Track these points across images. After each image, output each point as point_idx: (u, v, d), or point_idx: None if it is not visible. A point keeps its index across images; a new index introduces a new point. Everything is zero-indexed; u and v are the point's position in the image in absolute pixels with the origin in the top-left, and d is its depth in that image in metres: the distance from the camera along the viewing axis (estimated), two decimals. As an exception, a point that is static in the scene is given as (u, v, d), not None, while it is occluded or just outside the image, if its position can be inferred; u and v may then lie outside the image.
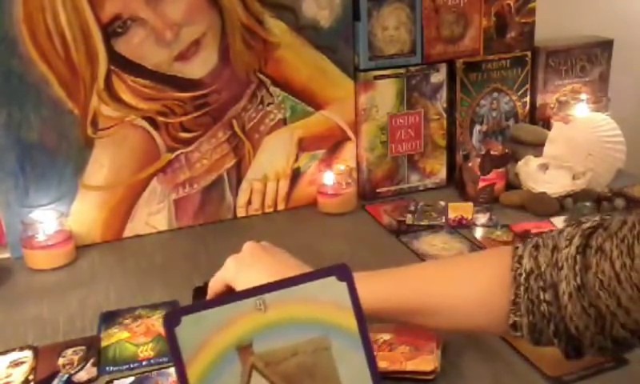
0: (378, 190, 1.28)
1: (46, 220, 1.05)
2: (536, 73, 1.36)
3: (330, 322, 0.42)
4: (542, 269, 0.59)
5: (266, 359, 0.42)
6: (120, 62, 1.07)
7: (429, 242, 1.07)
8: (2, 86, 1.01)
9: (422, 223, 1.14)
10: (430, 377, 0.72)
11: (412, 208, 1.20)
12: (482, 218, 1.14)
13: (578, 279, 0.56)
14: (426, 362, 0.73)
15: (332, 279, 0.43)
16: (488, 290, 0.64)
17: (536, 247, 0.62)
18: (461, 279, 0.67)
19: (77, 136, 1.07)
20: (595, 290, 0.55)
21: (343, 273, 0.43)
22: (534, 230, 1.09)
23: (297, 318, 0.42)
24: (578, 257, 0.57)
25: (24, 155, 1.05)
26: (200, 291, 0.85)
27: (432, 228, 1.12)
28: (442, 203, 1.20)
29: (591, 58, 1.39)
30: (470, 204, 1.18)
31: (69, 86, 1.05)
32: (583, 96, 1.37)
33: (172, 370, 0.77)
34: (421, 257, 1.02)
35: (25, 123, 1.04)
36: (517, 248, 0.64)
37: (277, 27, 1.15)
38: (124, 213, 1.13)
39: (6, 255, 1.08)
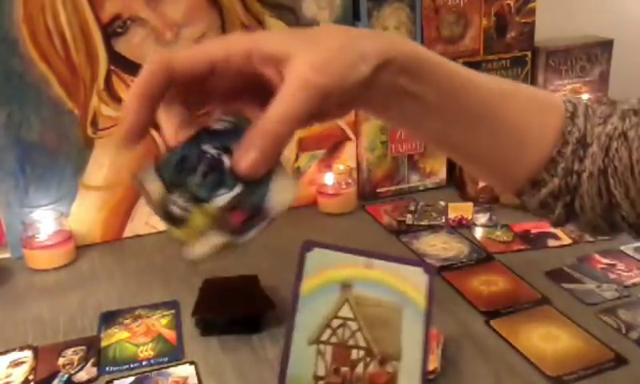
0: (378, 190, 1.28)
1: (46, 220, 1.05)
2: (536, 73, 1.36)
3: (408, 296, 0.55)
4: (587, 140, 0.55)
5: (358, 300, 0.55)
6: (120, 62, 1.07)
7: (429, 242, 1.07)
8: (2, 86, 1.01)
9: (422, 223, 1.14)
10: (430, 377, 0.72)
11: (412, 208, 1.20)
12: (482, 218, 1.14)
13: (606, 161, 0.53)
14: (426, 361, 0.73)
15: (419, 269, 0.55)
16: (528, 137, 0.56)
17: (587, 116, 0.56)
18: (533, 106, 0.57)
19: (77, 136, 1.07)
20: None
21: (429, 269, 0.56)
22: (533, 230, 1.10)
23: (388, 283, 0.55)
24: (612, 142, 0.54)
25: (24, 155, 1.05)
26: (210, 284, 0.86)
27: (432, 228, 1.12)
28: (442, 203, 1.20)
29: (591, 57, 1.39)
30: (470, 204, 1.18)
31: (69, 86, 1.05)
32: (583, 96, 1.37)
33: (172, 370, 0.77)
34: (421, 257, 1.02)
35: (25, 123, 1.04)
36: (567, 105, 0.57)
37: (277, 27, 1.15)
38: (124, 213, 1.13)
39: (6, 255, 1.08)
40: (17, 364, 0.79)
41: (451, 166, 1.33)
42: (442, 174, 1.33)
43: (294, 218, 1.22)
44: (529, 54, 1.33)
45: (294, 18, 1.15)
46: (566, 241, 1.06)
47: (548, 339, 0.80)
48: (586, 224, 0.57)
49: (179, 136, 0.48)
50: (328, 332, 0.54)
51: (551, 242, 1.06)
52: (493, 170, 0.60)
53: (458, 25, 1.28)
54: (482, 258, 1.01)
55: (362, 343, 0.54)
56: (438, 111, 0.53)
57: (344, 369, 0.54)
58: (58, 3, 1.01)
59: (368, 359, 0.54)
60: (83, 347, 0.82)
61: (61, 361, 0.79)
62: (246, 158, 0.45)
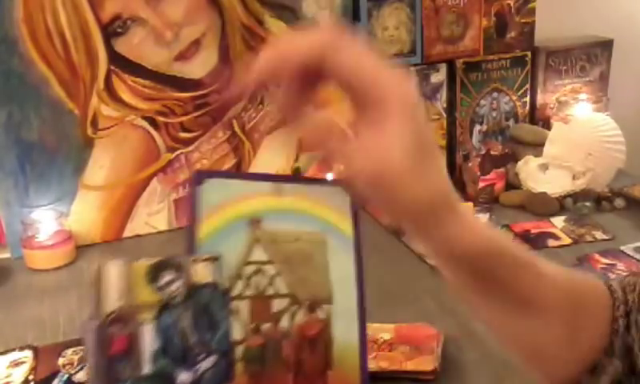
0: (377, 190, 1.28)
1: (46, 220, 1.05)
2: (536, 73, 1.36)
3: (330, 222, 0.47)
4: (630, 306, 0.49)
5: (271, 237, 0.45)
6: (120, 62, 1.07)
7: (429, 242, 1.07)
8: (2, 86, 1.01)
9: (422, 223, 1.14)
10: (430, 377, 0.72)
11: (412, 208, 1.19)
12: (482, 218, 1.14)
13: None
14: (426, 361, 0.73)
15: (339, 189, 0.47)
16: (582, 326, 0.49)
17: (624, 287, 0.51)
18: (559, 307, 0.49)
19: (77, 136, 1.07)
20: None
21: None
22: (533, 230, 1.10)
23: (305, 210, 0.47)
24: None
25: (24, 155, 1.05)
26: None
27: (432, 228, 1.12)
28: (442, 203, 1.19)
29: (591, 58, 1.39)
30: (470, 204, 1.18)
31: (69, 86, 1.05)
32: (583, 96, 1.37)
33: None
34: (421, 257, 1.02)
35: (25, 123, 1.04)
36: (611, 285, 0.52)
37: (277, 27, 1.15)
38: (124, 213, 1.13)
39: (6, 255, 1.08)
40: (17, 364, 0.79)
41: (451, 166, 1.33)
42: (441, 173, 1.32)
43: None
44: (529, 53, 1.33)
45: (294, 17, 1.15)
46: (566, 241, 1.06)
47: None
48: None
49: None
50: (240, 284, 0.44)
51: (551, 242, 1.06)
52: (542, 356, 0.51)
53: (458, 25, 1.28)
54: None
55: (284, 290, 0.45)
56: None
57: (265, 325, 0.44)
58: (57, 3, 1.01)
59: (294, 308, 0.45)
60: (83, 347, 0.82)
61: (61, 361, 0.79)
62: None
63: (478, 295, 0.48)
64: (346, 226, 0.48)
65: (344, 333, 0.46)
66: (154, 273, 0.39)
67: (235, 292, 0.44)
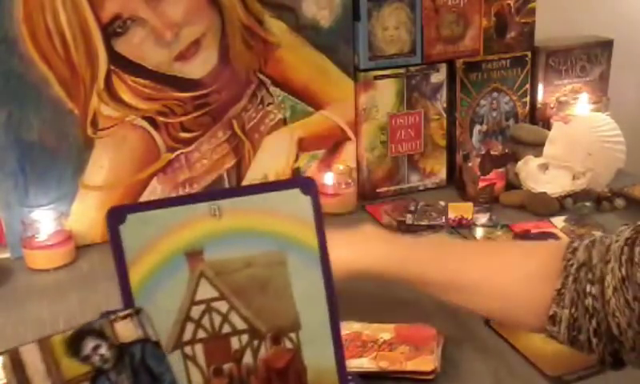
0: (378, 190, 1.28)
1: (46, 220, 1.05)
2: (536, 73, 1.36)
3: (288, 236, 0.40)
4: (594, 262, 0.57)
5: (217, 268, 0.39)
6: (120, 62, 1.07)
7: (429, 242, 1.07)
8: (2, 86, 1.01)
9: (422, 223, 1.14)
10: (430, 377, 0.72)
11: (412, 208, 1.20)
12: (482, 218, 1.14)
13: (623, 270, 0.54)
14: (426, 361, 0.73)
15: (295, 191, 0.40)
16: (534, 275, 0.62)
17: (592, 242, 0.60)
18: (506, 262, 0.66)
19: (77, 136, 1.07)
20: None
21: (308, 185, 0.40)
22: (533, 230, 1.09)
23: (253, 228, 0.40)
24: (626, 248, 0.55)
25: (24, 155, 1.05)
26: None
27: (432, 228, 1.12)
28: (442, 203, 1.20)
29: (591, 58, 1.39)
30: (470, 204, 1.18)
31: (69, 86, 1.05)
32: (583, 96, 1.37)
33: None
34: (421, 257, 1.02)
35: (25, 123, 1.04)
36: (573, 241, 0.62)
37: (277, 27, 1.15)
38: (124, 213, 1.13)
39: (6, 255, 1.08)
40: (17, 364, 0.79)
41: (451, 166, 1.33)
42: (442, 174, 1.33)
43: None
44: (529, 53, 1.33)
45: (294, 17, 1.15)
46: (566, 241, 1.06)
47: (548, 339, 0.79)
48: (630, 350, 0.56)
49: None
50: (190, 327, 0.39)
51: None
52: (507, 319, 0.69)
53: (458, 25, 1.28)
54: (481, 258, 1.01)
55: (242, 325, 0.39)
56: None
57: (227, 366, 0.40)
58: (57, 3, 1.01)
59: (255, 343, 0.40)
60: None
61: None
62: None
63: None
64: (309, 236, 0.41)
65: (317, 358, 0.41)
66: (75, 344, 0.36)
67: (186, 337, 0.39)
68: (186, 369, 0.39)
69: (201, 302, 0.39)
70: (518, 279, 0.63)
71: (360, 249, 0.73)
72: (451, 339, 0.79)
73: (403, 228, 1.13)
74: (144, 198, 1.13)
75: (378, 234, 0.78)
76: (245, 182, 1.19)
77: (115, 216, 0.38)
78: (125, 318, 0.37)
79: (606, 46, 1.40)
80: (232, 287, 0.39)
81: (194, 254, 0.39)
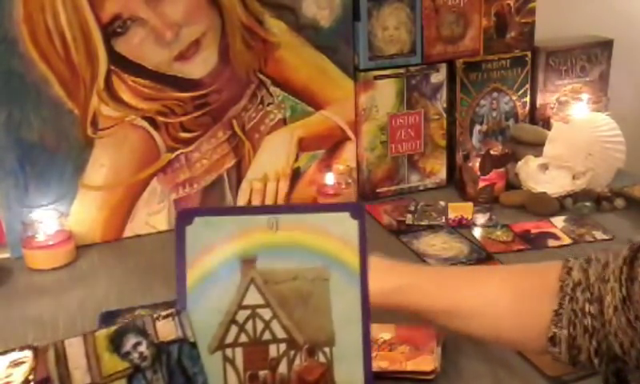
0: (377, 190, 1.28)
1: (46, 220, 1.05)
2: (536, 73, 1.36)
3: (334, 255, 0.43)
4: (591, 281, 0.57)
5: (266, 277, 0.42)
6: (120, 62, 1.07)
7: (429, 242, 1.07)
8: (2, 86, 1.01)
9: (422, 223, 1.14)
10: (430, 377, 0.72)
11: (412, 208, 1.20)
12: (482, 218, 1.14)
13: (624, 290, 0.53)
14: (426, 361, 0.73)
15: (345, 215, 0.44)
16: (530, 297, 0.61)
17: (588, 261, 0.60)
18: (501, 284, 0.65)
19: (77, 136, 1.07)
20: None
21: (357, 211, 0.43)
22: (533, 230, 1.10)
23: (304, 244, 0.43)
24: (625, 268, 0.54)
25: (24, 155, 1.05)
26: None
27: (432, 228, 1.12)
28: (442, 203, 1.20)
29: (591, 58, 1.39)
30: (470, 204, 1.18)
31: (69, 86, 1.05)
32: (583, 96, 1.37)
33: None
34: (421, 257, 1.02)
35: (25, 123, 1.04)
36: (568, 261, 0.62)
37: (277, 27, 1.15)
38: (124, 213, 1.13)
39: (6, 255, 1.08)
40: (17, 364, 0.79)
41: (451, 166, 1.33)
42: (441, 174, 1.33)
43: (294, 218, 1.22)
44: (529, 53, 1.33)
45: (294, 17, 1.15)
46: (566, 241, 1.06)
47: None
48: (635, 368, 0.55)
49: None
50: (234, 330, 0.41)
51: (551, 242, 1.06)
52: (505, 342, 0.68)
53: (458, 25, 1.28)
54: (481, 258, 1.01)
55: (281, 334, 0.42)
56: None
57: (263, 373, 0.42)
58: (57, 3, 1.01)
59: (292, 353, 0.42)
60: (83, 347, 0.81)
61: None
62: None
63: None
64: (352, 258, 0.44)
65: (347, 375, 0.44)
66: (117, 340, 0.38)
67: (229, 339, 0.41)
68: (224, 371, 0.41)
69: (247, 306, 0.41)
70: (511, 303, 0.63)
71: None
72: (451, 339, 0.79)
73: (403, 228, 1.13)
74: (144, 198, 1.13)
75: (378, 264, 0.75)
76: (245, 182, 1.19)
77: (184, 217, 0.41)
78: (167, 317, 0.39)
79: (606, 46, 1.40)
80: (277, 296, 0.42)
81: (247, 261, 0.42)
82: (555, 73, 1.37)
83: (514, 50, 1.32)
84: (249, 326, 0.42)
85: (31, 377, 0.77)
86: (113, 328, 0.38)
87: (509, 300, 0.63)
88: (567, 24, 1.47)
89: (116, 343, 0.38)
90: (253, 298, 0.42)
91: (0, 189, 1.05)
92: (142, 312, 0.89)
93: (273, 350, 0.42)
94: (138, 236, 1.14)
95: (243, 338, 0.41)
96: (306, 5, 1.16)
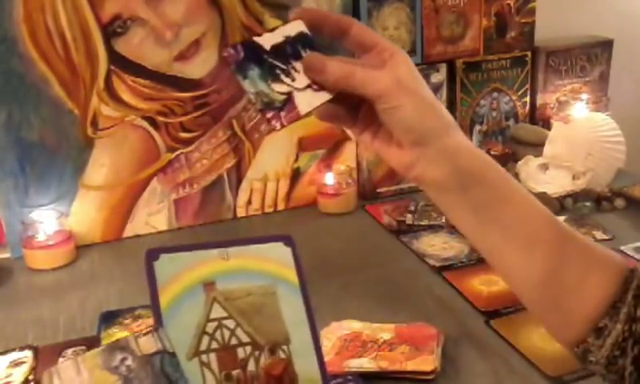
0: (378, 190, 1.28)
1: (46, 220, 1.05)
2: (536, 73, 1.36)
3: (277, 275, 0.54)
4: None
5: (225, 295, 0.52)
6: (120, 62, 1.07)
7: (429, 242, 1.07)
8: (2, 86, 1.01)
9: (422, 223, 1.14)
10: (430, 377, 0.72)
11: (412, 208, 1.20)
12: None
13: None
14: (426, 362, 0.73)
15: (279, 244, 0.55)
16: (593, 277, 0.55)
17: None
18: (577, 249, 0.56)
19: (77, 136, 1.07)
20: None
21: (289, 241, 0.55)
22: (534, 230, 1.09)
23: (251, 268, 0.54)
24: None
25: (24, 155, 1.05)
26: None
27: (432, 228, 1.12)
28: (442, 203, 1.19)
29: (591, 57, 1.39)
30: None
31: (69, 86, 1.05)
32: (583, 96, 1.37)
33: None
34: (420, 257, 1.02)
35: (25, 123, 1.04)
36: (629, 264, 0.56)
37: (277, 27, 1.15)
38: (124, 213, 1.13)
39: (6, 255, 1.08)
40: (17, 364, 0.79)
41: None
42: (441, 173, 1.32)
43: (294, 219, 1.22)
44: (529, 53, 1.33)
45: (294, 17, 1.15)
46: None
47: (548, 339, 0.79)
48: None
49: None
50: (206, 339, 0.50)
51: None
52: (553, 306, 0.57)
53: (458, 25, 1.28)
54: (482, 258, 1.01)
55: (245, 338, 0.51)
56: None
57: (235, 372, 0.50)
58: (57, 3, 1.01)
59: (257, 353, 0.51)
60: (83, 347, 0.82)
61: (61, 361, 0.79)
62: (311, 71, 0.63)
63: (478, 223, 0.57)
64: (291, 276, 0.54)
65: (305, 367, 0.52)
66: (106, 357, 0.45)
67: (203, 347, 0.50)
68: (202, 374, 0.49)
69: (214, 319, 0.51)
70: (581, 274, 0.55)
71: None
72: (451, 339, 0.79)
73: (403, 228, 1.13)
74: (144, 198, 1.13)
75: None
76: (245, 182, 1.19)
77: (152, 255, 0.53)
78: (146, 334, 0.47)
79: (606, 45, 1.40)
80: (237, 310, 0.52)
81: (208, 285, 0.52)
82: (555, 73, 1.37)
83: (514, 50, 1.32)
84: (217, 334, 0.51)
85: (31, 377, 0.77)
86: (100, 348, 0.45)
87: (576, 271, 0.55)
88: (567, 24, 1.47)
89: (104, 359, 0.44)
90: (217, 312, 0.51)
91: (0, 189, 1.05)
92: (142, 312, 0.89)
93: (241, 352, 0.51)
94: (138, 236, 1.15)
95: (214, 345, 0.50)
96: (306, 5, 1.16)
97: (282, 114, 0.59)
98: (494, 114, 1.34)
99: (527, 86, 1.35)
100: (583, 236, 0.58)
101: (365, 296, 0.90)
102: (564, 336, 0.57)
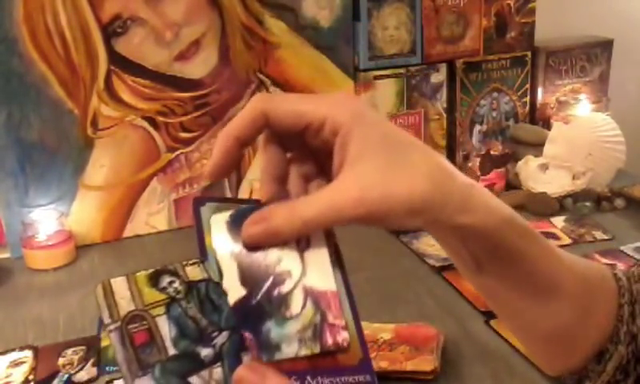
0: (377, 190, 1.28)
1: (46, 220, 1.05)
2: (536, 73, 1.36)
3: None
4: (635, 296, 0.50)
5: None
6: (120, 62, 1.07)
7: (429, 242, 1.07)
8: (2, 86, 1.01)
9: (422, 223, 1.14)
10: (430, 377, 0.72)
11: (412, 208, 1.19)
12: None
13: None
14: (426, 362, 0.73)
15: None
16: (590, 303, 0.49)
17: (631, 277, 0.51)
18: (574, 278, 0.50)
19: (77, 136, 1.07)
20: None
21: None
22: (533, 230, 1.09)
23: None
24: None
25: (24, 155, 1.05)
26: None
27: (432, 228, 1.12)
28: (442, 203, 1.19)
29: (591, 57, 1.39)
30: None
31: (69, 86, 1.05)
32: (583, 96, 1.37)
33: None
34: (420, 257, 1.02)
35: (25, 123, 1.04)
36: (616, 273, 0.52)
37: (277, 27, 1.15)
38: (124, 213, 1.13)
39: (6, 255, 1.08)
40: (17, 364, 0.79)
41: (451, 166, 1.33)
42: (441, 173, 1.32)
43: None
44: (529, 53, 1.33)
45: (294, 17, 1.15)
46: (566, 241, 1.06)
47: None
48: None
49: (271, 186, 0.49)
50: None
51: (551, 242, 1.05)
52: (552, 342, 0.50)
53: (458, 25, 1.28)
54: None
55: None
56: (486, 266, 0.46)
57: None
58: (57, 3, 1.01)
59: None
60: (83, 347, 0.82)
61: (61, 361, 0.79)
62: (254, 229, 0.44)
63: (495, 279, 0.47)
64: None
65: None
66: (155, 279, 0.46)
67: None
68: None
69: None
70: (589, 305, 0.49)
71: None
72: (451, 339, 0.79)
73: (403, 228, 1.13)
74: (144, 198, 1.13)
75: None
76: (245, 182, 1.19)
77: (199, 201, 0.49)
78: (193, 264, 0.48)
79: (606, 46, 1.40)
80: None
81: None
82: (555, 73, 1.37)
83: (514, 50, 1.32)
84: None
85: (31, 377, 0.77)
86: (150, 270, 0.46)
87: (589, 302, 0.50)
88: (567, 24, 1.47)
89: (154, 281, 0.46)
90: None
91: (0, 189, 1.05)
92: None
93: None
94: (138, 236, 1.14)
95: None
96: (306, 5, 1.16)
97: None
98: (494, 113, 1.34)
99: (527, 86, 1.35)
100: (578, 258, 0.51)
101: (364, 296, 0.90)
102: (559, 367, 0.52)
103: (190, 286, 0.46)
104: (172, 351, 0.43)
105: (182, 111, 1.12)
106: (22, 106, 1.03)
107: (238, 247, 0.48)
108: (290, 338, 0.45)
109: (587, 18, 1.49)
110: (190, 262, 0.48)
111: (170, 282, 0.46)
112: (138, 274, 0.45)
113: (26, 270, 1.04)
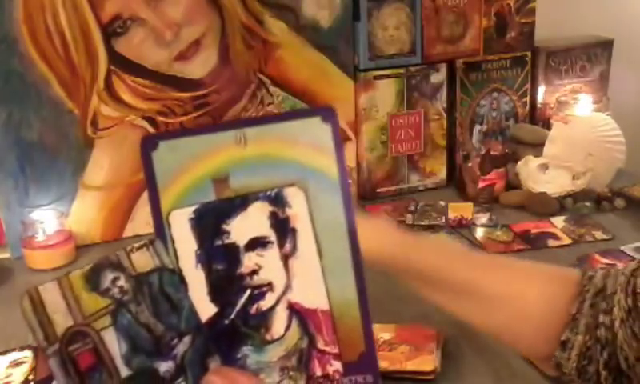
0: (378, 190, 1.28)
1: (46, 220, 1.05)
2: (536, 73, 1.36)
3: (308, 164, 0.40)
4: (608, 292, 0.55)
5: (241, 194, 0.40)
6: (120, 62, 1.07)
7: (429, 242, 1.07)
8: (2, 86, 1.01)
9: (422, 223, 1.14)
10: (430, 377, 0.72)
11: (412, 208, 1.20)
12: (482, 218, 1.14)
13: (629, 301, 0.52)
14: (426, 361, 0.73)
15: (316, 120, 0.40)
16: (553, 298, 0.58)
17: (608, 272, 0.57)
18: (528, 279, 0.61)
19: (77, 136, 1.07)
20: None
21: (329, 114, 0.40)
22: (533, 230, 1.09)
23: (276, 156, 0.40)
24: (632, 279, 0.53)
25: (24, 155, 1.05)
26: None
27: (432, 228, 1.12)
28: (442, 203, 1.20)
29: (591, 57, 1.39)
30: (470, 204, 1.18)
31: (69, 86, 1.05)
32: (583, 96, 1.37)
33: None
34: (421, 257, 1.02)
35: (25, 123, 1.04)
36: (587, 270, 0.59)
37: (277, 27, 1.15)
38: (124, 213, 1.13)
39: (6, 255, 1.08)
40: (17, 364, 0.79)
41: (451, 166, 1.33)
42: (442, 174, 1.33)
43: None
44: (529, 53, 1.33)
45: (294, 17, 1.15)
46: (566, 241, 1.06)
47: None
48: None
49: None
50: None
51: (551, 242, 1.06)
52: (510, 337, 0.62)
53: (458, 25, 1.27)
54: (482, 258, 1.01)
55: None
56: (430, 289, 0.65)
57: None
58: (57, 3, 1.01)
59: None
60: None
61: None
62: None
63: (452, 306, 0.63)
64: (330, 165, 0.40)
65: (340, 289, 0.41)
66: (94, 277, 0.37)
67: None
68: None
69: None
70: (538, 301, 0.58)
71: (372, 237, 0.63)
72: (451, 339, 0.79)
73: (403, 228, 1.13)
74: (144, 198, 1.13)
75: (389, 224, 0.71)
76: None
77: (148, 143, 0.41)
78: (140, 248, 0.39)
79: (606, 45, 1.40)
80: None
81: (220, 180, 0.40)
82: (555, 73, 1.37)
83: (514, 50, 1.32)
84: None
85: (31, 377, 0.77)
86: (87, 267, 0.37)
87: (533, 300, 0.59)
88: (567, 24, 1.47)
89: (93, 281, 0.37)
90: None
91: (0, 189, 1.05)
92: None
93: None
94: (138, 236, 1.14)
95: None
96: (306, 5, 1.16)
97: None
98: (494, 113, 1.34)
99: (527, 86, 1.35)
100: (535, 263, 0.63)
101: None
102: (535, 353, 0.62)
103: (139, 280, 0.38)
104: (125, 372, 0.35)
105: (182, 111, 1.12)
106: (22, 106, 1.03)
107: (205, 253, 0.39)
108: (270, 366, 0.38)
109: (587, 18, 1.49)
110: (137, 246, 0.39)
111: (114, 280, 0.38)
112: (72, 274, 0.37)
113: (26, 269, 1.04)
